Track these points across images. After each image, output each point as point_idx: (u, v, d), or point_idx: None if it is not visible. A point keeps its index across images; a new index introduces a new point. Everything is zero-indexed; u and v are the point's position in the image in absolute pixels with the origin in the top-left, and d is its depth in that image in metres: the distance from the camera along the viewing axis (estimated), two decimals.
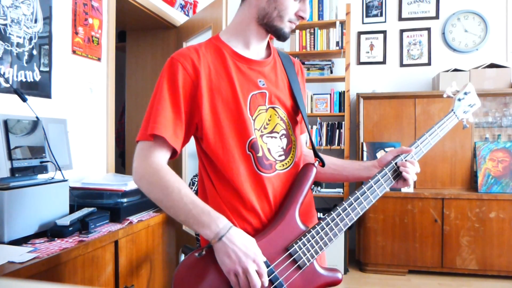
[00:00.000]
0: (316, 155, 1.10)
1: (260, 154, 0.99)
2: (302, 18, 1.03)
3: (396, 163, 1.07)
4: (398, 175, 1.07)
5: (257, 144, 0.98)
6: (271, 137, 1.02)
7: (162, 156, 0.95)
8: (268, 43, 1.12)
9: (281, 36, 1.04)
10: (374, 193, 1.04)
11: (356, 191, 1.04)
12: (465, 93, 1.20)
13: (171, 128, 0.94)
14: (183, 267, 0.91)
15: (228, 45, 1.04)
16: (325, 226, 1.00)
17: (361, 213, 1.04)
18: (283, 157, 1.03)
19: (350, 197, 1.04)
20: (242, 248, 0.87)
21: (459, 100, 1.19)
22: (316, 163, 1.07)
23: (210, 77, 0.98)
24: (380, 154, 3.48)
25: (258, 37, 1.06)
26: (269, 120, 1.02)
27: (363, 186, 1.05)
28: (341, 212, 1.02)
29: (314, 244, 0.98)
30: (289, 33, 1.05)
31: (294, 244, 0.96)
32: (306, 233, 0.98)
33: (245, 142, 0.98)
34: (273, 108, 1.03)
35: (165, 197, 0.91)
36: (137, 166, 0.95)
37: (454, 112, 1.18)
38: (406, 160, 1.07)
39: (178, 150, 0.97)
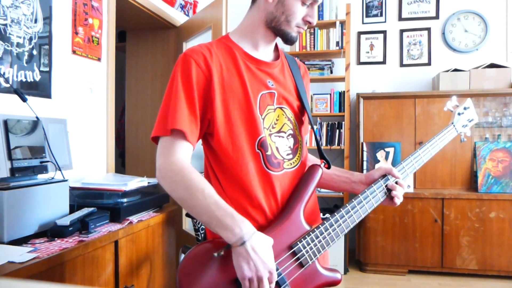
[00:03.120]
0: (321, 156, 1.12)
1: (269, 152, 1.00)
2: (310, 23, 1.05)
3: (386, 185, 1.09)
4: (385, 194, 1.09)
5: (266, 142, 1.00)
6: (279, 136, 1.04)
7: (185, 153, 0.95)
8: (276, 45, 1.14)
9: (288, 40, 1.06)
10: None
11: (359, 195, 1.08)
12: (465, 108, 1.23)
13: (188, 124, 0.95)
14: (188, 259, 0.91)
15: (238, 45, 1.06)
16: (328, 227, 1.02)
17: (363, 216, 1.07)
18: (290, 156, 1.05)
19: (353, 200, 1.06)
20: (262, 258, 0.87)
21: (459, 114, 1.23)
22: (322, 165, 1.09)
23: (222, 74, 0.99)
24: (380, 154, 3.49)
25: (266, 39, 1.08)
26: (277, 120, 1.04)
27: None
28: (344, 214, 1.04)
29: (317, 243, 1.00)
30: (296, 37, 1.07)
31: (298, 243, 0.98)
32: (310, 233, 1.00)
33: (254, 140, 0.99)
34: (280, 108, 1.06)
35: (189, 196, 0.91)
36: (161, 164, 0.94)
37: (454, 126, 1.21)
38: (396, 183, 1.09)
39: (194, 146, 0.98)
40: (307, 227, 1.01)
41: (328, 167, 1.12)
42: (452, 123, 1.21)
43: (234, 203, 0.98)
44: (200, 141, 1.07)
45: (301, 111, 1.12)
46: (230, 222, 0.87)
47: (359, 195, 1.07)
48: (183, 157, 0.94)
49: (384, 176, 1.10)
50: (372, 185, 1.08)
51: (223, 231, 0.88)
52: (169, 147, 0.95)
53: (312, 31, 3.69)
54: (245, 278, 0.87)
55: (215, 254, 0.90)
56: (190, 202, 0.91)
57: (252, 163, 0.99)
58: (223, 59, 1.01)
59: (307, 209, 1.03)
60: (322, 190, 3.63)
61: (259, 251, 0.87)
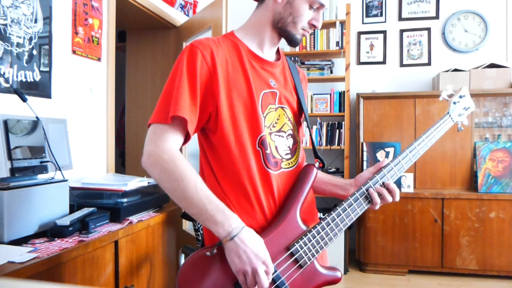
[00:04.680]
0: (316, 156, 1.12)
1: (268, 151, 1.00)
2: (315, 27, 1.06)
3: (367, 189, 1.06)
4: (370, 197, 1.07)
5: (266, 141, 1.00)
6: (279, 135, 1.04)
7: (176, 142, 0.94)
8: (278, 48, 1.15)
9: (293, 42, 1.07)
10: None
11: (355, 192, 1.06)
12: (460, 97, 1.21)
13: (189, 112, 0.93)
14: (187, 265, 0.91)
15: (243, 42, 1.06)
16: (325, 226, 1.01)
17: (360, 213, 1.05)
18: (289, 156, 1.05)
19: (349, 197, 1.05)
20: (253, 249, 0.87)
21: (454, 103, 1.20)
22: (317, 164, 1.09)
23: (227, 69, 0.99)
24: (380, 154, 3.49)
25: (272, 40, 1.09)
26: (277, 119, 1.05)
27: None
28: (341, 212, 1.03)
29: (315, 244, 0.99)
30: (300, 40, 1.08)
31: (295, 244, 0.98)
32: (307, 233, 0.99)
33: (256, 137, 0.99)
34: (282, 108, 1.06)
35: (179, 187, 0.90)
36: (151, 150, 0.93)
37: (449, 115, 1.19)
38: (383, 184, 1.06)
39: (191, 136, 0.97)
40: (304, 227, 1.01)
41: (323, 166, 1.12)
42: (448, 112, 1.19)
43: (233, 202, 0.98)
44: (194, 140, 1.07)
45: (299, 113, 1.13)
46: (220, 218, 0.88)
47: (355, 192, 1.06)
48: (174, 146, 0.93)
49: (373, 177, 1.08)
50: (368, 181, 1.07)
51: (213, 226, 0.88)
52: (161, 133, 0.93)
53: (312, 31, 3.69)
54: (239, 272, 0.88)
55: (208, 253, 0.90)
56: (180, 194, 0.90)
57: (253, 160, 0.99)
58: (228, 55, 1.01)
59: (303, 209, 1.03)
60: None
61: (249, 243, 0.87)
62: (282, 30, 1.06)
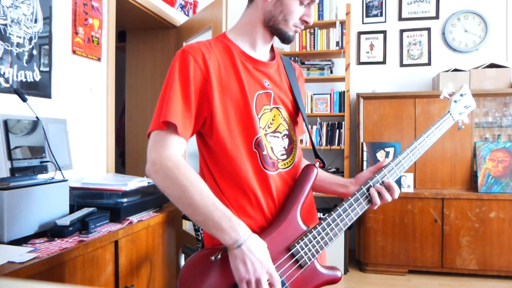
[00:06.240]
0: (316, 155, 1.12)
1: (265, 152, 1.00)
2: (307, 22, 1.05)
3: (367, 189, 1.06)
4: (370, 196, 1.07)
5: (262, 142, 1.00)
6: (274, 136, 1.04)
7: (179, 148, 0.94)
8: (272, 46, 1.14)
9: (285, 39, 1.06)
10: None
11: (355, 192, 1.06)
12: (461, 95, 1.20)
13: (181, 118, 0.93)
14: (188, 266, 0.91)
15: (235, 44, 1.05)
16: (326, 227, 1.01)
17: (360, 213, 1.05)
18: (285, 156, 1.05)
19: (350, 197, 1.05)
20: (259, 258, 0.87)
21: (455, 101, 1.20)
22: (317, 164, 1.09)
23: (219, 73, 0.99)
24: (380, 154, 3.49)
25: (264, 39, 1.08)
26: (272, 120, 1.04)
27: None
28: (341, 213, 1.03)
29: (315, 244, 0.99)
30: (293, 37, 1.07)
31: (296, 244, 0.98)
32: (308, 233, 0.99)
33: (251, 139, 0.99)
34: (277, 108, 1.06)
35: (184, 195, 0.89)
36: (155, 158, 0.91)
37: (450, 114, 1.18)
38: (383, 183, 1.06)
39: (187, 141, 0.97)
40: (305, 228, 1.01)
41: (323, 166, 1.12)
42: (449, 111, 1.18)
43: (233, 203, 0.98)
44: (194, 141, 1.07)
45: (295, 111, 1.12)
46: (227, 225, 0.87)
47: (356, 192, 1.06)
48: (176, 152, 0.93)
49: (374, 177, 1.07)
50: (369, 180, 1.07)
51: (219, 233, 0.87)
52: (162, 140, 0.93)
53: (312, 31, 3.69)
54: (242, 280, 0.87)
55: (212, 258, 0.90)
56: (186, 201, 0.89)
57: (250, 162, 0.98)
58: (220, 58, 1.01)
59: (303, 209, 1.03)
60: None
61: (255, 252, 0.87)
62: (273, 28, 1.05)
